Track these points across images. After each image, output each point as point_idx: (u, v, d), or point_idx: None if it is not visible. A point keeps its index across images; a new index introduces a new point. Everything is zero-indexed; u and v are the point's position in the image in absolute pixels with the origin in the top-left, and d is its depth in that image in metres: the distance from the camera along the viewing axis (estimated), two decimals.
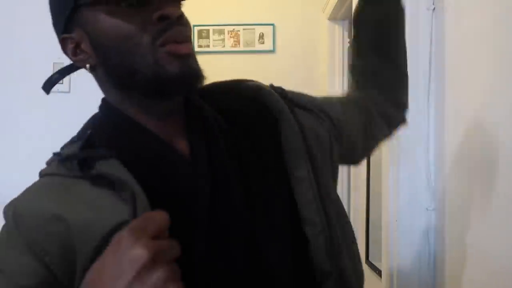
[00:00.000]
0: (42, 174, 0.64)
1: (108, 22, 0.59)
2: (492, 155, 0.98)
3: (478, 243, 1.03)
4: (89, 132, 0.64)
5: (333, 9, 3.12)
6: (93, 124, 0.67)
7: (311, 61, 3.55)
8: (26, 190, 0.62)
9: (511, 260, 0.90)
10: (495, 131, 0.97)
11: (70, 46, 0.63)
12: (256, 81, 0.77)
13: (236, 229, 0.62)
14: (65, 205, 0.57)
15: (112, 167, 0.58)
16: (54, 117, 1.60)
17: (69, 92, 1.61)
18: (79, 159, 0.60)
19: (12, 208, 0.59)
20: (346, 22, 3.29)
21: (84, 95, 1.67)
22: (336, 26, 3.35)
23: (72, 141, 0.65)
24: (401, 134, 1.35)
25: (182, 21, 0.60)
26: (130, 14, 0.58)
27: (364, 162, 2.30)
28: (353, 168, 2.49)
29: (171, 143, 0.64)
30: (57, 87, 1.62)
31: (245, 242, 0.62)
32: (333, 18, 3.31)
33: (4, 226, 0.59)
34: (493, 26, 0.99)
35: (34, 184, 0.63)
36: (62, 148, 0.64)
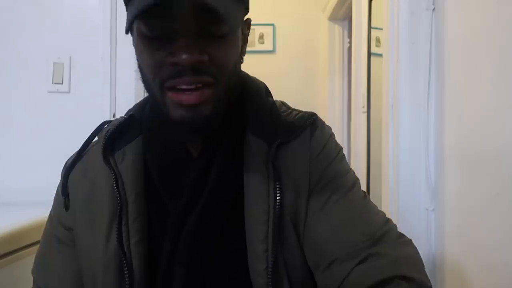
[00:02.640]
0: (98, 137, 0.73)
1: (137, 46, 0.62)
2: (492, 155, 0.98)
3: (478, 243, 1.03)
4: (131, 113, 0.73)
5: (333, 9, 3.12)
6: (142, 104, 0.74)
7: (311, 61, 3.55)
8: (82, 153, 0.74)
9: (511, 259, 0.90)
10: (495, 131, 0.97)
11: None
12: (325, 133, 0.73)
13: (200, 244, 0.63)
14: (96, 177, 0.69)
15: (130, 151, 0.68)
16: (54, 117, 1.60)
17: (69, 92, 1.60)
18: (103, 147, 0.68)
19: (65, 168, 0.73)
20: (346, 22, 3.29)
21: (84, 96, 1.67)
22: (336, 26, 3.35)
23: (127, 112, 0.74)
24: (401, 134, 1.36)
25: (197, 68, 0.58)
26: (152, 46, 0.59)
27: (364, 162, 2.30)
28: (352, 168, 2.49)
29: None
30: (57, 87, 1.64)
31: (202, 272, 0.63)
32: (333, 18, 3.30)
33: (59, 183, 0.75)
34: (493, 26, 0.99)
35: (89, 149, 0.74)
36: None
